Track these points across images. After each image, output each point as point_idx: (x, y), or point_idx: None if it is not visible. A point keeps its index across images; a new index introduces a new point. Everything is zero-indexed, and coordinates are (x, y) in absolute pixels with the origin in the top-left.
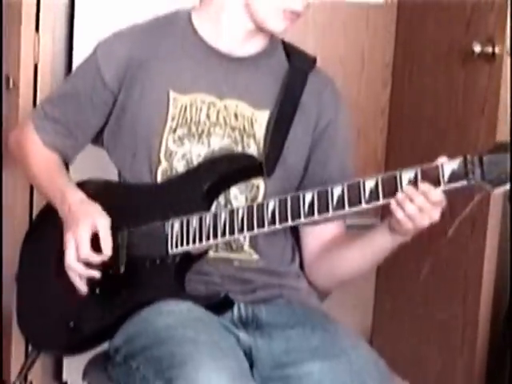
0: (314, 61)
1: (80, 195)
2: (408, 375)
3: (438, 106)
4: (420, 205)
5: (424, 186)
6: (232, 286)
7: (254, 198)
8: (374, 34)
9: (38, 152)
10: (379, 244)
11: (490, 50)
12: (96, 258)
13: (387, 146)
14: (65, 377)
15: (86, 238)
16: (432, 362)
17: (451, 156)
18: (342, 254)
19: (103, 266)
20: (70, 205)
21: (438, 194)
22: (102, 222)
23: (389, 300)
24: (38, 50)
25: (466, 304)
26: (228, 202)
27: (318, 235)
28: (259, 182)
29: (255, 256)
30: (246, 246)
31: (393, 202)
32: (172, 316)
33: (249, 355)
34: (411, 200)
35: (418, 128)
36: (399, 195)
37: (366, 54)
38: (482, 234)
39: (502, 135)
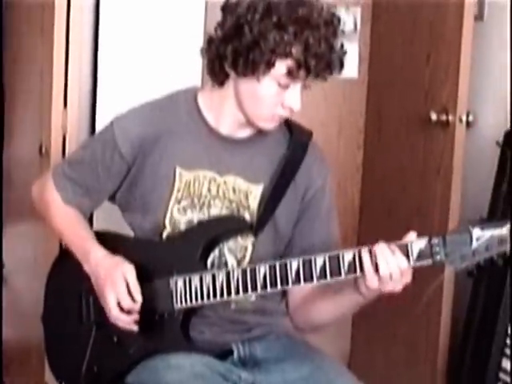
0: (310, 134)
1: (102, 251)
2: None
3: (402, 165)
4: (392, 271)
5: (398, 255)
6: (230, 327)
7: (243, 257)
8: (349, 103)
9: (58, 207)
10: (350, 301)
11: (444, 118)
12: (136, 307)
13: (361, 197)
14: None
15: (125, 291)
16: (401, 378)
17: (413, 209)
18: (319, 306)
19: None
20: (95, 260)
21: (407, 265)
22: (130, 271)
23: (364, 328)
24: (65, 123)
25: (429, 332)
26: (222, 255)
27: (301, 287)
28: (248, 244)
29: (251, 298)
30: None
31: (366, 257)
32: (178, 372)
33: None
34: (387, 263)
35: (386, 183)
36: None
37: (343, 120)
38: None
39: (455, 190)
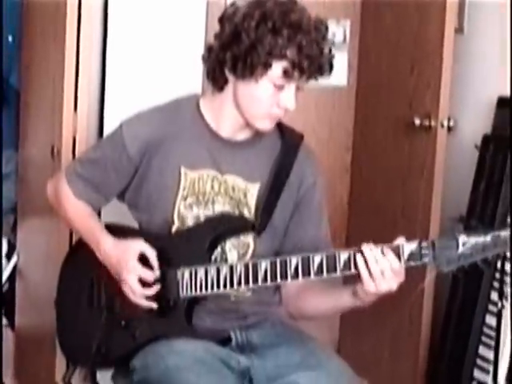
0: (301, 137)
1: (111, 240)
2: (367, 375)
3: (388, 166)
4: (382, 268)
5: (389, 255)
6: (228, 315)
7: (245, 253)
8: (339, 109)
9: (71, 201)
10: (343, 302)
11: (427, 123)
12: (156, 274)
13: (350, 196)
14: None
15: (141, 267)
16: (385, 364)
17: (398, 207)
18: (313, 300)
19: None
20: (105, 250)
21: (398, 264)
22: (140, 245)
23: (352, 316)
24: (76, 126)
25: (412, 323)
26: (224, 252)
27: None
28: (249, 241)
29: (248, 292)
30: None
31: (360, 258)
32: (180, 356)
33: (247, 374)
34: (376, 261)
35: (373, 183)
36: (367, 254)
37: (333, 125)
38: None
39: (437, 190)
